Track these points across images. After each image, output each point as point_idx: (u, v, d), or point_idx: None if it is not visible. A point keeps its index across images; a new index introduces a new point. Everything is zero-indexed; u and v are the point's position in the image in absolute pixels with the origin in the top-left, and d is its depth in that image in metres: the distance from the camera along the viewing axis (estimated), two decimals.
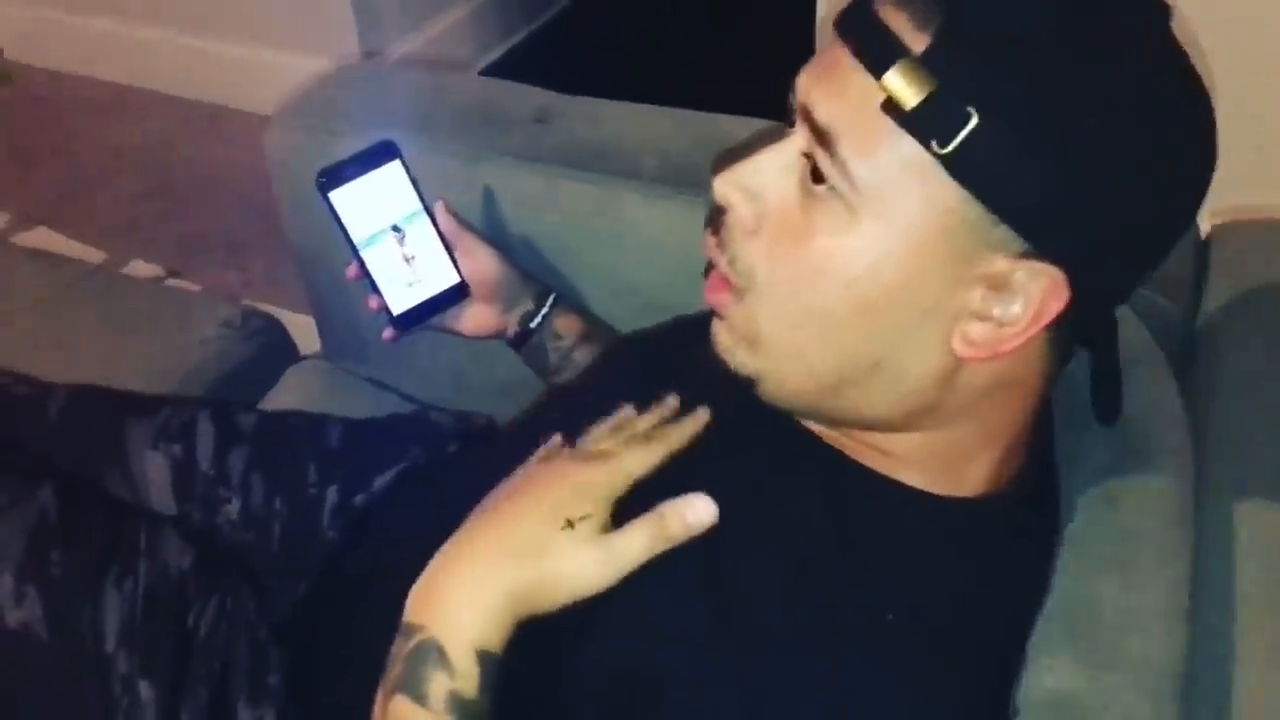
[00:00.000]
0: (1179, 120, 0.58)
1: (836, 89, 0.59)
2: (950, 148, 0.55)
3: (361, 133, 0.94)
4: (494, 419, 1.04)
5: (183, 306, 1.37)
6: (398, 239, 0.91)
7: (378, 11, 2.32)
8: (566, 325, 0.99)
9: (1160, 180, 0.58)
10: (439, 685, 0.59)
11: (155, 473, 0.98)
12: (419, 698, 0.59)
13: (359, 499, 0.93)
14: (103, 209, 2.25)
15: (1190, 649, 0.61)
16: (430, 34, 2.46)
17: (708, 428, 0.70)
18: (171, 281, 2.05)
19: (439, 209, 0.94)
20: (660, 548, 0.62)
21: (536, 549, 0.62)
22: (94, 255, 2.11)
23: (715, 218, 0.66)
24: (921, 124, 0.55)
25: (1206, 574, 0.66)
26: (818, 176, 0.59)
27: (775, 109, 0.97)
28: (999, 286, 0.58)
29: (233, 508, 0.97)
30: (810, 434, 0.68)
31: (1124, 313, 0.68)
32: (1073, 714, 0.58)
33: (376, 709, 0.62)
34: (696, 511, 0.62)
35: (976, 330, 0.59)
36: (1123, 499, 0.67)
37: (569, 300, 1.01)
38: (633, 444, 0.68)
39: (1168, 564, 0.63)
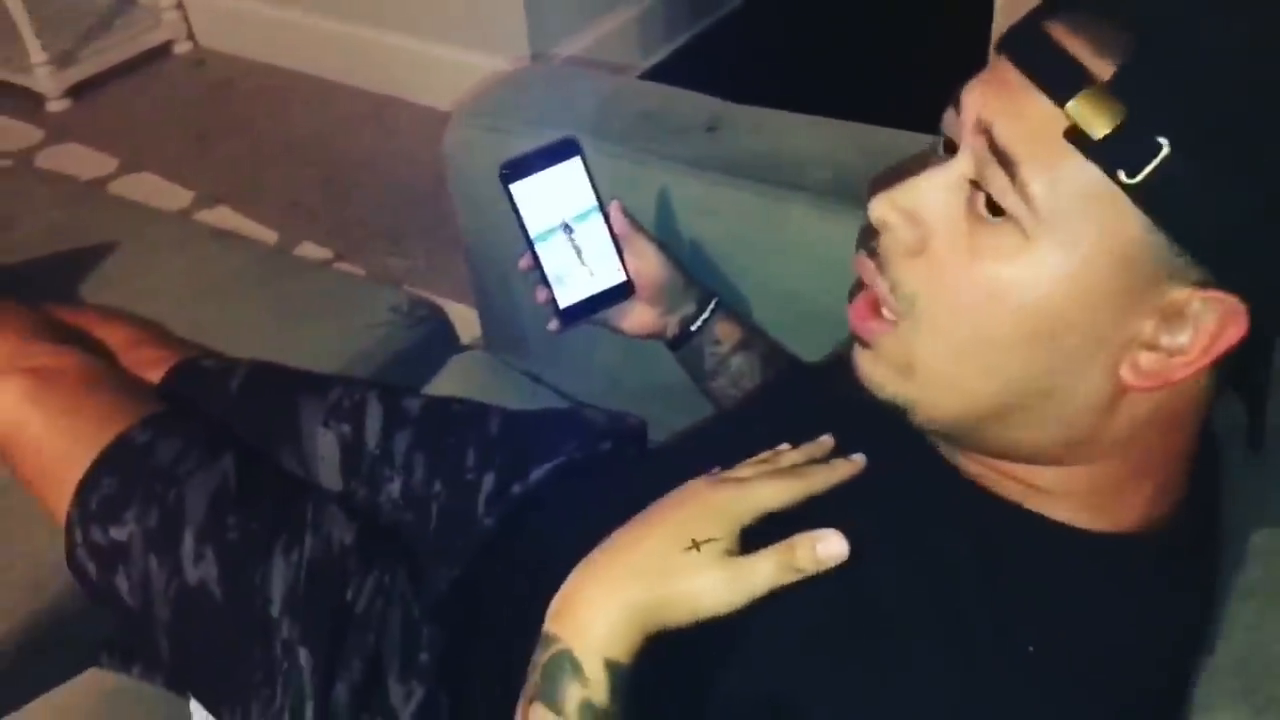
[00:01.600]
0: None
1: (1014, 112, 0.58)
2: (1139, 178, 0.54)
3: (537, 133, 0.95)
4: (645, 421, 1.06)
5: (353, 291, 1.43)
6: (571, 234, 0.93)
7: (548, 11, 2.37)
8: (725, 331, 0.99)
9: None
10: (573, 694, 0.61)
11: (325, 449, 1.03)
12: (555, 706, 0.61)
13: (515, 489, 0.96)
14: (277, 191, 2.36)
15: None
16: (597, 34, 2.50)
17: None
18: (338, 265, 2.14)
19: (613, 208, 0.95)
20: (788, 578, 0.62)
21: (661, 568, 0.63)
22: (268, 236, 2.21)
23: (868, 239, 0.65)
24: (1109, 153, 0.54)
25: None
26: (990, 201, 0.58)
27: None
28: (1172, 316, 0.57)
29: (394, 487, 1.01)
30: (957, 472, 0.68)
31: None
32: None
33: (518, 715, 0.64)
34: (828, 545, 0.61)
35: (1146, 360, 0.58)
36: None
37: (730, 306, 1.01)
38: (770, 475, 0.68)
39: None
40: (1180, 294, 0.56)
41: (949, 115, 0.63)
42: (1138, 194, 0.54)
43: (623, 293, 0.96)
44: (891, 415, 0.66)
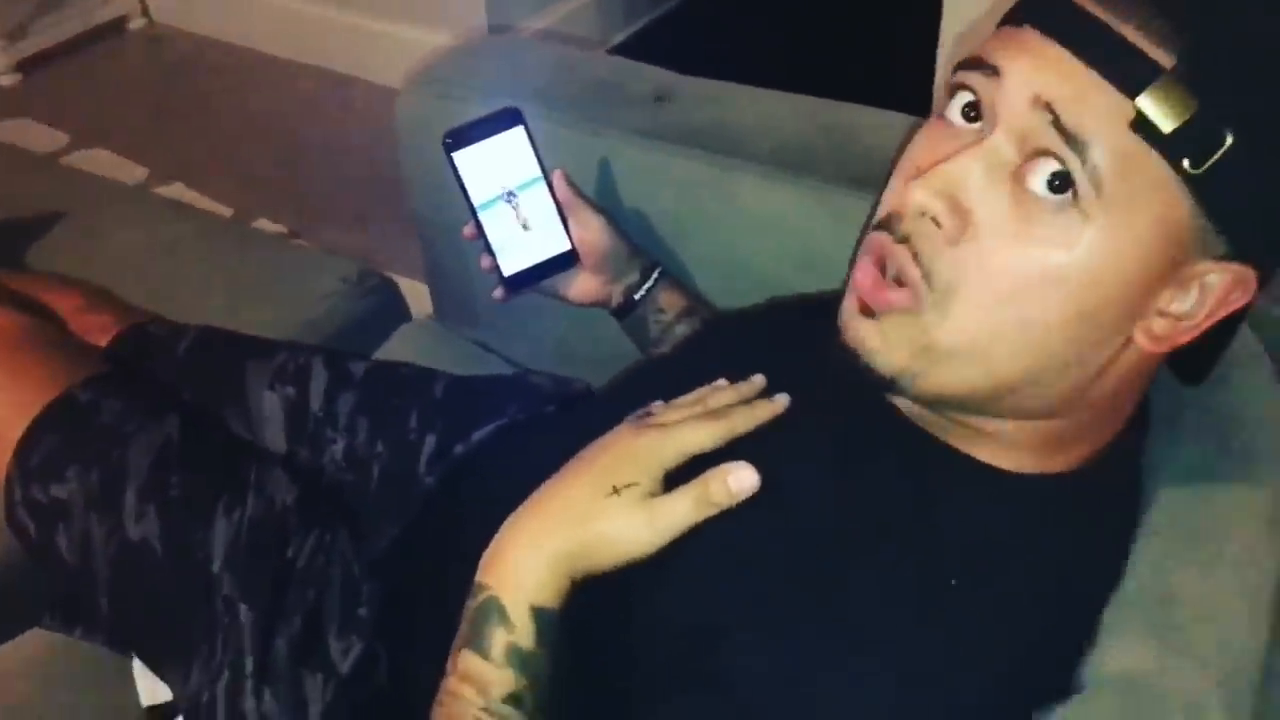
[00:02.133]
0: None
1: (1076, 95, 0.56)
2: (1203, 169, 0.55)
3: (488, 102, 0.96)
4: (591, 386, 1.07)
5: (304, 261, 1.43)
6: (515, 203, 0.94)
7: None
8: (669, 300, 1.01)
9: None
10: (499, 639, 0.63)
11: (270, 411, 1.03)
12: (482, 651, 0.63)
13: (458, 449, 0.97)
14: (234, 169, 2.34)
15: (1273, 645, 0.61)
16: (557, 14, 2.50)
17: (796, 407, 0.71)
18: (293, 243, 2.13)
19: (557, 177, 0.96)
20: (705, 513, 0.64)
21: (582, 515, 0.65)
22: (224, 213, 2.20)
23: (893, 224, 0.62)
24: (1176, 144, 0.55)
25: None
26: (1054, 176, 0.57)
27: (899, 99, 0.97)
28: (1184, 284, 0.59)
29: (338, 448, 1.01)
30: (894, 411, 0.69)
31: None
32: (1139, 695, 0.58)
33: (450, 662, 0.65)
34: (739, 479, 0.64)
35: (1159, 326, 0.61)
36: (1213, 496, 0.67)
37: (674, 276, 1.03)
38: (695, 419, 0.69)
39: (1253, 561, 0.63)
40: (1201, 266, 0.59)
41: (974, 77, 0.61)
42: (1196, 182, 0.56)
43: (567, 261, 0.97)
44: (829, 353, 0.66)
